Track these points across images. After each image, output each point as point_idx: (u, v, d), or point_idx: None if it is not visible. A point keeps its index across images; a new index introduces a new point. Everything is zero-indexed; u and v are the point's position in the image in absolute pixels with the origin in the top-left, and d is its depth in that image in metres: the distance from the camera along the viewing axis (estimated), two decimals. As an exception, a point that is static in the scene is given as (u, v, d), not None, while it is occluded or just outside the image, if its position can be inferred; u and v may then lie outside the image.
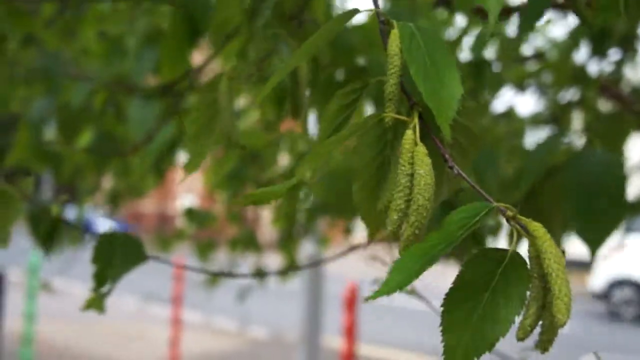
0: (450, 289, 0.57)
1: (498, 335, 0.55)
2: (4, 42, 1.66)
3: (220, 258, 3.71)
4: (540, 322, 0.56)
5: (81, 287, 8.20)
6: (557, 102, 2.73)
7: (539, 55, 2.68)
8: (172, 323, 6.65)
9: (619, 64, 2.36)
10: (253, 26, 1.02)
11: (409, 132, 0.63)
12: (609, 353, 8.14)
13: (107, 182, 3.48)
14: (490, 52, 2.04)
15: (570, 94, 2.77)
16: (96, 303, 1.00)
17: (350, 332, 5.01)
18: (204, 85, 0.74)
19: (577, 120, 3.02)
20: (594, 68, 2.55)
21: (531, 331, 0.56)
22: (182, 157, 2.79)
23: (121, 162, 2.03)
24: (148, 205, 27.67)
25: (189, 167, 0.92)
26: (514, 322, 0.56)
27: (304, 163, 0.64)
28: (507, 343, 0.60)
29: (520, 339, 0.55)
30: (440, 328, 0.56)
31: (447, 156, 0.63)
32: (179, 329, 6.60)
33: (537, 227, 0.57)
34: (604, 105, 2.45)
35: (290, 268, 2.43)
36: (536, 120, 2.88)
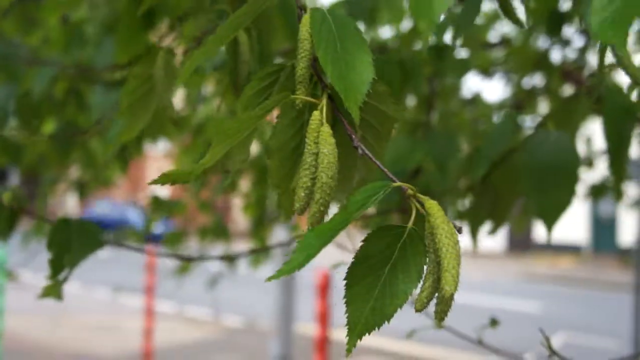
0: (352, 263, 0.59)
1: (396, 307, 0.57)
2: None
3: (191, 247, 3.69)
4: (436, 294, 0.58)
5: (49, 281, 8.06)
6: (522, 88, 2.77)
7: (505, 42, 2.71)
8: (145, 314, 6.61)
9: (583, 51, 2.40)
10: (199, 3, 1.02)
11: (316, 113, 0.65)
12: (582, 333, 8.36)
13: (74, 173, 3.43)
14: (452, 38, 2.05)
15: (534, 80, 2.81)
16: (53, 291, 0.99)
17: (324, 319, 5.05)
18: (141, 59, 0.73)
19: (544, 105, 3.07)
20: (557, 55, 2.60)
21: (427, 303, 0.58)
22: (148, 146, 2.76)
23: (85, 151, 2.00)
24: (119, 195, 27.29)
25: (121, 136, 0.92)
26: (411, 295, 0.58)
27: (216, 144, 0.64)
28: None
29: (418, 310, 0.57)
30: (345, 300, 0.59)
31: (353, 136, 0.64)
32: (152, 320, 6.56)
33: (432, 205, 0.59)
34: (569, 91, 2.50)
35: (260, 250, 2.43)
36: (502, 106, 2.92)
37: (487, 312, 1.25)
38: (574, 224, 18.53)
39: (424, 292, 0.58)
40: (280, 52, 1.51)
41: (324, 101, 0.66)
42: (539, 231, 19.26)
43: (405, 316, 0.89)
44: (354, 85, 0.62)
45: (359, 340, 0.58)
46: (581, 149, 3.76)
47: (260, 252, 3.26)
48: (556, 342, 7.79)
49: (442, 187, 1.43)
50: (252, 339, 7.63)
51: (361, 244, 0.59)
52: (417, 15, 0.66)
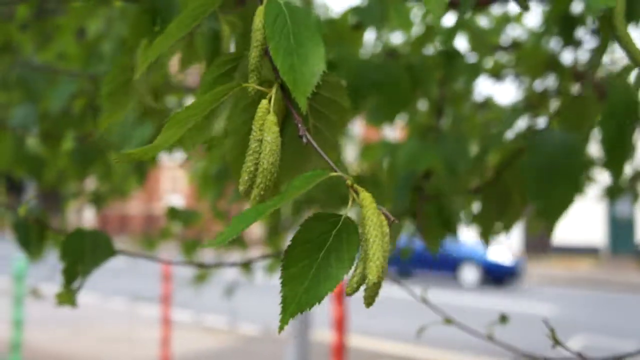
0: (289, 246, 0.61)
1: (328, 290, 0.60)
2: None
3: (206, 256, 3.72)
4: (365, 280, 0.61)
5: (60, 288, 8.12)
6: (534, 91, 2.77)
7: (515, 45, 2.72)
8: (162, 323, 6.64)
9: (595, 52, 2.40)
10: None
11: (264, 102, 0.67)
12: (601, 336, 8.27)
13: (91, 185, 3.47)
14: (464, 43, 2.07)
15: (547, 82, 2.81)
16: (67, 298, 1.02)
17: (340, 325, 5.05)
18: (122, 52, 0.76)
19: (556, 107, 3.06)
20: (569, 57, 2.59)
21: (357, 288, 0.61)
22: (164, 157, 2.79)
23: (103, 164, 2.04)
24: (134, 206, 27.49)
25: (102, 123, 0.95)
26: (342, 279, 0.61)
27: (169, 125, 0.67)
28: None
29: (349, 294, 0.61)
30: (280, 280, 0.61)
31: (299, 126, 0.67)
32: (169, 329, 6.59)
33: (365, 196, 0.62)
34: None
35: (275, 255, 2.44)
36: (515, 108, 2.92)
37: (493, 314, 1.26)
38: (591, 225, 18.35)
39: (354, 278, 0.62)
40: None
41: (274, 91, 0.68)
42: (555, 233, 19.08)
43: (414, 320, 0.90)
44: (303, 77, 0.64)
45: (291, 319, 0.62)
46: (595, 149, 3.73)
47: (273, 258, 3.27)
48: (575, 344, 7.71)
49: (452, 189, 1.44)
50: (269, 346, 7.64)
51: (299, 228, 0.62)
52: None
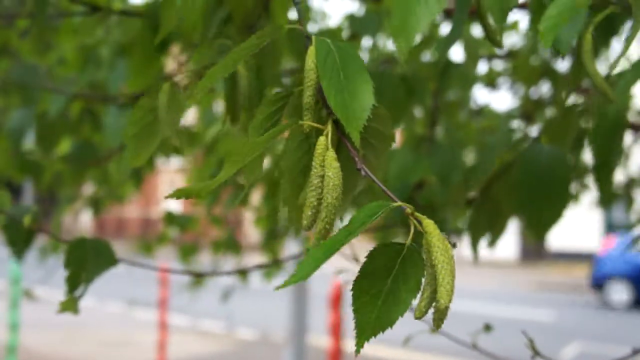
0: (358, 276, 0.65)
1: (398, 315, 0.64)
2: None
3: (203, 261, 3.73)
4: (433, 304, 0.64)
5: (63, 296, 8.12)
6: (529, 99, 2.79)
7: (510, 54, 2.74)
8: (158, 327, 6.64)
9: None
10: (204, 36, 1.07)
11: (322, 139, 0.71)
12: (600, 343, 8.28)
13: (88, 189, 3.48)
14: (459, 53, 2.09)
15: (541, 91, 2.83)
16: (70, 306, 1.04)
17: (337, 330, 5.06)
18: (147, 91, 0.78)
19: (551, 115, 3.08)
20: (564, 65, 2.61)
21: (426, 312, 0.64)
22: (160, 161, 2.81)
23: (100, 169, 2.05)
24: (131, 210, 27.46)
25: (129, 163, 0.98)
26: (411, 304, 0.65)
27: (229, 164, 0.70)
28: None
29: (417, 317, 0.64)
30: (352, 309, 0.65)
31: (356, 159, 0.70)
32: (166, 333, 6.59)
33: (428, 224, 0.65)
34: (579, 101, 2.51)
35: (272, 263, 2.46)
36: (510, 115, 2.95)
37: (500, 322, 1.27)
38: (587, 232, 18.38)
39: (422, 302, 0.64)
40: (287, 71, 1.55)
41: (329, 127, 0.71)
42: (552, 240, 19.14)
43: (407, 325, 0.91)
44: (355, 113, 0.68)
45: (366, 342, 0.65)
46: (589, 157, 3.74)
47: (271, 266, 3.29)
48: (572, 351, 7.72)
49: (444, 199, 1.46)
50: (266, 351, 7.64)
51: (365, 259, 0.65)
52: (396, 36, 0.71)
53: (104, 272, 1.08)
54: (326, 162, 0.68)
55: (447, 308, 0.62)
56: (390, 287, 0.64)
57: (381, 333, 0.64)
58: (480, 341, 1.31)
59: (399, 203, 0.66)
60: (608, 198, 1.85)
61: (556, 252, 19.30)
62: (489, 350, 1.29)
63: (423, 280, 0.65)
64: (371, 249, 0.65)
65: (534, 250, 19.39)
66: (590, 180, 2.87)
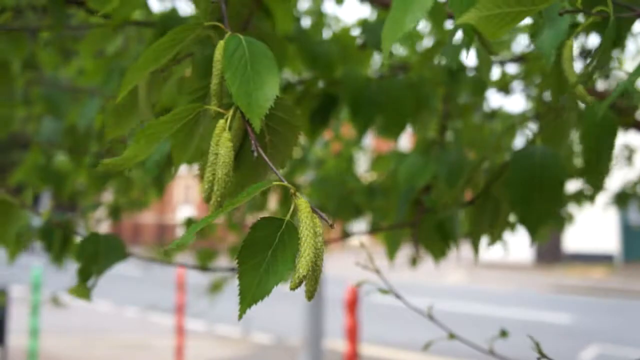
0: (242, 246, 0.71)
1: (274, 284, 0.70)
2: (6, 67, 1.73)
3: (221, 266, 3.76)
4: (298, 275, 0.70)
5: (83, 301, 8.21)
6: (542, 101, 2.80)
7: (523, 57, 2.75)
8: (175, 332, 6.71)
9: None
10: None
11: (221, 121, 0.79)
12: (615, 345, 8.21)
13: (107, 196, 3.54)
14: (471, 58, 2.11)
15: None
16: (81, 292, 1.08)
17: (353, 334, 5.07)
18: (125, 77, 0.84)
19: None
20: (578, 66, 2.61)
21: (299, 284, 0.70)
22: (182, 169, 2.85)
23: (123, 178, 2.10)
24: (147, 216, 27.66)
25: (107, 136, 1.05)
26: (287, 275, 0.70)
27: (135, 141, 0.77)
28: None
29: (292, 288, 0.70)
30: (237, 275, 0.71)
31: (253, 142, 0.77)
32: (183, 338, 6.65)
33: (301, 202, 0.72)
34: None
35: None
36: (523, 117, 2.95)
37: (516, 325, 1.28)
38: (604, 233, 18.21)
39: (296, 274, 0.70)
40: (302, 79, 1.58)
41: (231, 112, 0.79)
42: (568, 242, 18.97)
43: (424, 329, 0.93)
44: (258, 102, 0.76)
45: (248, 309, 0.70)
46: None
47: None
48: (589, 354, 7.66)
49: (450, 201, 1.49)
50: (282, 355, 7.67)
51: (249, 230, 0.71)
52: (383, 39, 0.76)
53: (115, 265, 1.14)
54: (220, 141, 0.76)
55: (306, 277, 0.68)
56: (270, 258, 0.70)
57: (260, 301, 0.70)
58: (497, 344, 1.34)
59: (283, 182, 0.73)
60: (625, 194, 1.86)
61: (572, 254, 19.13)
62: (506, 354, 1.31)
63: (298, 254, 0.71)
64: (254, 221, 0.72)
65: (549, 252, 19.23)
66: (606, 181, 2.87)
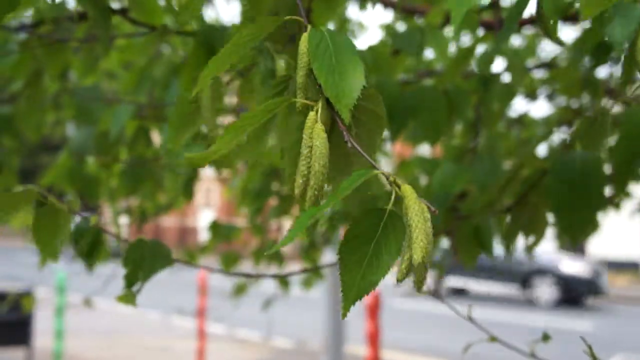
0: (342, 241, 0.69)
1: (381, 276, 0.68)
2: (39, 76, 1.76)
3: (245, 270, 3.78)
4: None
5: (106, 303, 8.35)
6: (569, 107, 2.77)
7: (549, 64, 2.73)
8: (197, 335, 6.75)
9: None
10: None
11: (311, 114, 0.76)
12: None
13: (132, 201, 3.58)
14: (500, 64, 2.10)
15: (582, 99, 2.81)
16: (129, 299, 1.10)
17: (374, 339, 5.06)
18: (193, 85, 0.85)
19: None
20: (604, 72, 2.59)
21: (407, 274, 0.67)
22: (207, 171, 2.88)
23: (154, 183, 2.13)
24: (168, 219, 27.90)
25: (168, 143, 1.04)
26: (393, 266, 0.68)
27: (225, 134, 0.76)
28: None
29: (399, 280, 0.67)
30: (339, 272, 0.68)
31: (344, 133, 0.75)
32: (204, 341, 6.70)
33: (406, 189, 0.69)
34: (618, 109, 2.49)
35: (312, 270, 2.51)
36: (548, 122, 2.93)
37: (539, 332, 1.28)
38: (630, 240, 17.90)
39: (403, 264, 0.67)
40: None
41: (320, 104, 0.77)
42: (593, 249, 18.67)
43: (458, 337, 0.93)
44: (345, 92, 0.74)
45: (352, 305, 0.68)
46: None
47: (311, 272, 3.33)
48: (614, 362, 7.54)
49: (485, 208, 1.49)
50: (303, 359, 7.67)
51: (350, 224, 0.69)
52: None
53: (160, 271, 1.15)
54: (314, 133, 0.74)
55: (422, 266, 0.64)
56: (373, 250, 0.68)
57: (366, 295, 0.67)
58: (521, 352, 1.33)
59: (381, 171, 0.70)
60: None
61: (597, 261, 18.83)
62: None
63: (404, 244, 0.67)
64: (356, 215, 0.70)
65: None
66: (633, 188, 2.84)
